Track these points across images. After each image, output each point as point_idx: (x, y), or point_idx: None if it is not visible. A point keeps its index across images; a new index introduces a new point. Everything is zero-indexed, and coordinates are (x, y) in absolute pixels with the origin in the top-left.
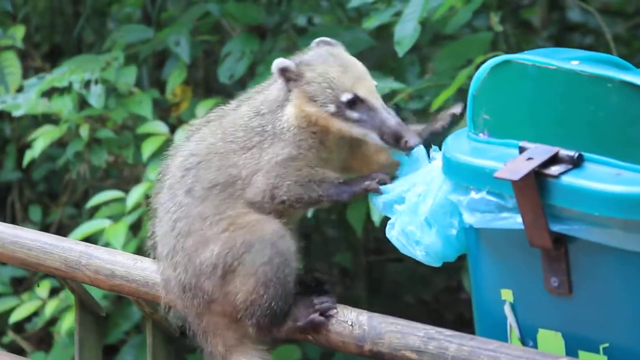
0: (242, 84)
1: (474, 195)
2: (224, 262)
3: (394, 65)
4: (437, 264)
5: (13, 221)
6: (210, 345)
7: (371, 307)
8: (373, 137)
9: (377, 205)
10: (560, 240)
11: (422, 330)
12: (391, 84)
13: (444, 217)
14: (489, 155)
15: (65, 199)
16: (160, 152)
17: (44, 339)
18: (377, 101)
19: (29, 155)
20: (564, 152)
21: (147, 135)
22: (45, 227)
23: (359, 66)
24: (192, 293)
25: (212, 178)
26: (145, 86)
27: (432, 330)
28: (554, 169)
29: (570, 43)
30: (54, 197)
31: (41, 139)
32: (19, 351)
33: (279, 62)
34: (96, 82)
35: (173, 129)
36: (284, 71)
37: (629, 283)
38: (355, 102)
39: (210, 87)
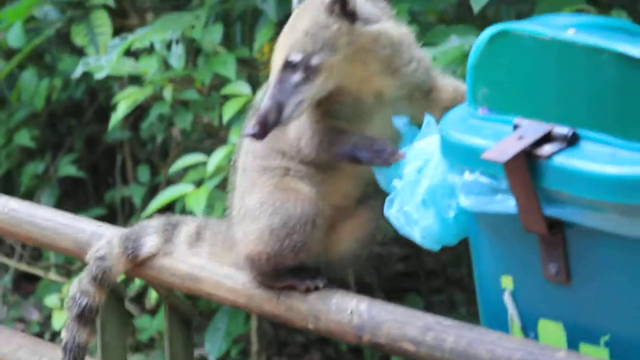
0: None
1: (467, 176)
2: (259, 210)
3: (491, 17)
4: (435, 248)
5: (123, 180)
6: None
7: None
8: None
9: (379, 181)
10: (556, 225)
11: (420, 320)
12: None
13: (441, 199)
14: (484, 133)
15: (172, 158)
16: (241, 114)
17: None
18: (271, 78)
19: (114, 119)
20: (558, 130)
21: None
22: (154, 187)
23: (283, 35)
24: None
25: None
26: (238, 45)
27: (431, 319)
28: (546, 149)
29: None
30: (165, 156)
31: (124, 102)
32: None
33: None
34: (177, 42)
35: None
36: None
37: (629, 271)
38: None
39: None
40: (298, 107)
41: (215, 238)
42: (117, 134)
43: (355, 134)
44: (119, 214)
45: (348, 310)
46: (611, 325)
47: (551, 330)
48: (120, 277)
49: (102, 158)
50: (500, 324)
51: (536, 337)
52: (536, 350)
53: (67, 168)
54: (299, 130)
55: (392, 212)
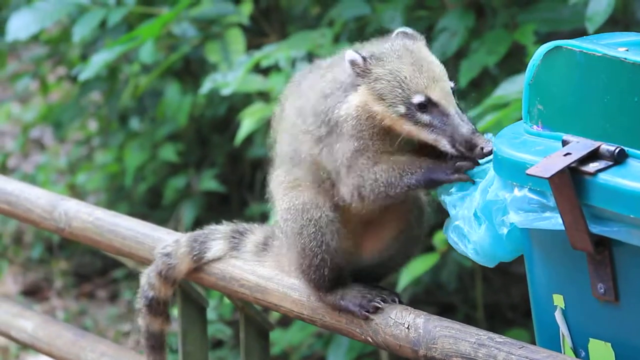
0: (455, 60)
1: (517, 192)
2: (282, 220)
3: None
4: (490, 265)
5: (261, 196)
6: None
7: None
8: (444, 144)
9: (444, 203)
10: (604, 243)
11: (474, 336)
12: None
13: (495, 215)
14: (534, 150)
15: None
16: None
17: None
18: (451, 106)
19: (240, 135)
20: (605, 147)
21: None
22: None
23: (435, 65)
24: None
25: (286, 151)
26: None
27: (484, 336)
28: (592, 166)
29: None
30: None
31: (248, 119)
32: None
33: (348, 54)
34: (302, 59)
35: None
36: (352, 64)
37: None
38: (427, 106)
39: None
40: None
41: (281, 248)
42: (258, 150)
43: (414, 162)
44: None
45: (405, 325)
46: None
47: (601, 351)
48: (200, 287)
49: (246, 174)
50: (553, 342)
51: (587, 357)
52: None
53: (209, 182)
54: (354, 183)
55: (449, 232)
